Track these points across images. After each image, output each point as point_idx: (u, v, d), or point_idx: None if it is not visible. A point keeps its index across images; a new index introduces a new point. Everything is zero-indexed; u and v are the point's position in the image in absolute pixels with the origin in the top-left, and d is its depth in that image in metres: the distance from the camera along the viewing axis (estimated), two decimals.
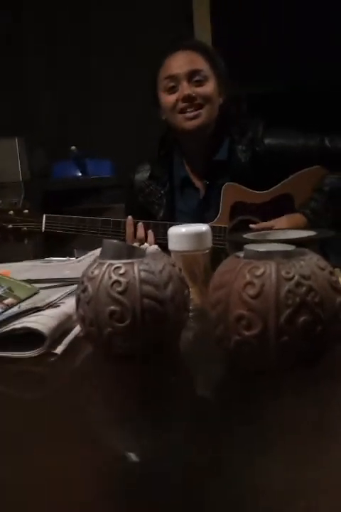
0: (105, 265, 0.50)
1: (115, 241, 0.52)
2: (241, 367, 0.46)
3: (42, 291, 0.73)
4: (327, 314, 0.43)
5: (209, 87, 1.27)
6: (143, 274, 0.49)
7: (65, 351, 0.54)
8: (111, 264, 0.50)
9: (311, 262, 0.44)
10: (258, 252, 0.46)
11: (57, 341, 0.54)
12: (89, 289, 0.50)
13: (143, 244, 1.17)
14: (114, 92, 2.66)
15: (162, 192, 1.35)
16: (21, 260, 1.05)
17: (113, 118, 2.67)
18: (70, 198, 2.52)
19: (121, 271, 0.49)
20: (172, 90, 1.26)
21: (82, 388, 0.49)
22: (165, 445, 0.37)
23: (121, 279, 0.48)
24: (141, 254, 0.52)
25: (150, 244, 1.15)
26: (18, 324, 0.54)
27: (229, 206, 1.28)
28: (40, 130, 2.58)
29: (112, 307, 0.48)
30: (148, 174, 1.38)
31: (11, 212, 1.27)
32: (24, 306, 0.66)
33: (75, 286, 0.71)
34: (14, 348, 0.53)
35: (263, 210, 1.26)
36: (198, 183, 1.35)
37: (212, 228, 1.27)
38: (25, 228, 1.27)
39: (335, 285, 0.45)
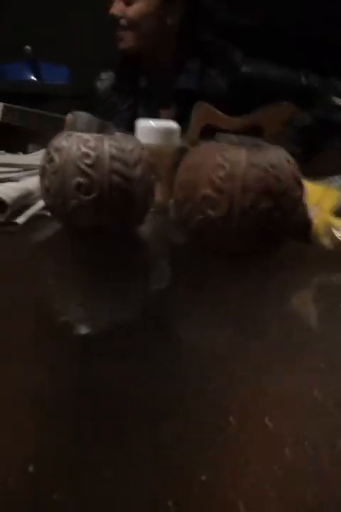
0: (74, 136, 0.49)
1: (86, 114, 0.51)
2: (201, 249, 0.48)
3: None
4: (288, 204, 0.45)
5: (134, 9, 1.18)
6: (113, 150, 0.48)
7: (26, 224, 0.53)
8: (80, 136, 0.49)
9: (279, 152, 0.46)
10: (230, 139, 0.46)
11: (19, 212, 0.54)
12: (56, 159, 0.49)
13: None
14: None
15: (124, 106, 1.30)
16: None
17: (73, 21, 2.50)
18: (20, 103, 2.38)
19: (91, 144, 0.48)
20: None
21: (41, 259, 0.49)
22: (117, 318, 0.39)
23: (91, 152, 0.48)
24: (112, 131, 0.51)
25: None
26: None
27: (199, 128, 1.26)
28: None
29: (79, 179, 0.48)
30: (110, 83, 1.32)
31: None
32: None
33: (36, 171, 0.69)
34: None
35: None
36: (164, 109, 1.30)
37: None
38: None
39: (298, 179, 0.47)
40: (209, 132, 1.25)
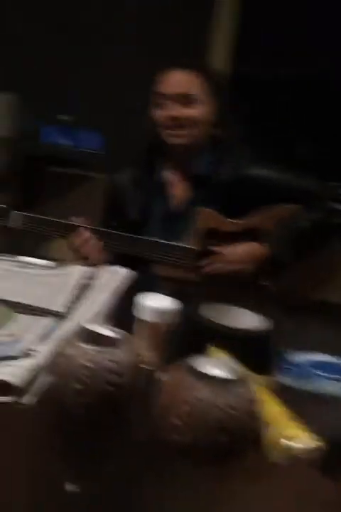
0: (78, 348, 0.61)
1: (90, 327, 0.62)
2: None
3: (17, 317, 0.84)
4: (241, 437, 0.56)
5: (196, 111, 1.35)
6: (108, 363, 0.60)
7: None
8: (83, 349, 0.60)
9: (238, 392, 0.57)
10: (201, 373, 0.57)
11: (26, 390, 0.65)
12: (61, 365, 0.60)
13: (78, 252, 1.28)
14: (115, 66, 2.67)
15: (139, 194, 1.44)
16: None
17: (110, 91, 2.68)
18: (55, 163, 2.56)
19: (90, 357, 0.60)
20: (162, 106, 1.35)
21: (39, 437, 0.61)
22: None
23: (89, 364, 0.59)
24: (110, 342, 0.62)
25: (90, 255, 1.27)
26: None
27: (201, 230, 1.38)
28: (32, 90, 2.57)
29: (78, 386, 0.59)
30: (129, 175, 1.46)
31: None
32: (2, 334, 0.77)
33: (49, 322, 0.82)
34: None
35: (233, 238, 1.38)
36: (177, 192, 1.44)
37: (181, 248, 1.39)
38: None
39: (253, 414, 0.57)
40: (212, 234, 1.37)
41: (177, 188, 1.44)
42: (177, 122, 1.34)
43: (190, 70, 1.35)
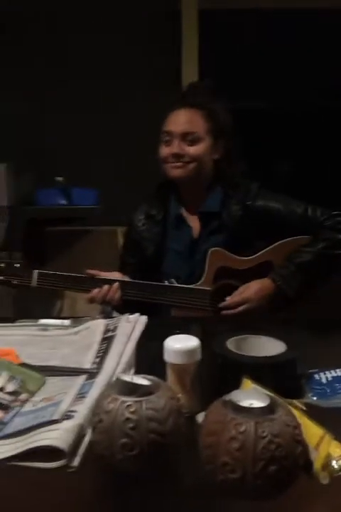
0: (118, 402, 0.62)
1: (124, 378, 0.64)
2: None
3: (48, 381, 0.85)
4: (291, 463, 0.57)
5: (199, 149, 1.42)
6: (149, 412, 0.61)
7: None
8: (123, 402, 0.62)
9: (281, 419, 0.58)
10: (241, 406, 0.59)
11: (73, 452, 0.66)
12: (105, 421, 0.62)
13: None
14: (106, 124, 2.77)
15: (154, 230, 1.49)
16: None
17: (103, 149, 2.77)
18: (54, 223, 2.62)
19: (132, 409, 0.61)
20: (167, 143, 1.42)
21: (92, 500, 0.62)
22: None
23: (132, 416, 0.61)
24: (146, 390, 0.64)
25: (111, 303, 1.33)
26: (39, 441, 0.66)
27: (214, 270, 1.42)
28: (27, 155, 2.65)
29: (124, 440, 0.61)
30: (144, 213, 1.52)
31: (2, 264, 1.36)
32: (37, 401, 0.78)
33: (82, 381, 0.83)
34: (34, 457, 0.65)
35: (245, 275, 1.40)
36: (193, 224, 1.48)
37: (196, 290, 1.42)
38: (16, 282, 1.36)
39: (297, 438, 0.59)
40: (223, 273, 1.40)
41: (193, 222, 1.49)
42: (180, 159, 1.40)
43: (195, 109, 1.41)
